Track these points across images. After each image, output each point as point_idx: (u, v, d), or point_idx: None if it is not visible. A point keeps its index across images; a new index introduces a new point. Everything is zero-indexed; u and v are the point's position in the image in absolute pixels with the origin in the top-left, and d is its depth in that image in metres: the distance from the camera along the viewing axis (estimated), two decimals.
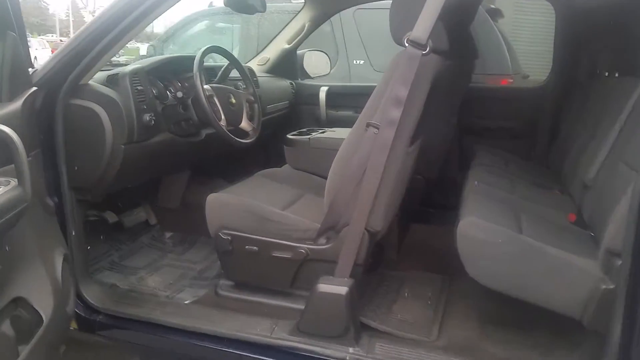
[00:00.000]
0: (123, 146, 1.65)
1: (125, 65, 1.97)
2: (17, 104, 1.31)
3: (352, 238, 1.50)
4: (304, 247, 1.62)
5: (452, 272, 1.87)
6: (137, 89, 1.70)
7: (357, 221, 1.50)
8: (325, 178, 1.63)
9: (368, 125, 1.44)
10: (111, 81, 1.69)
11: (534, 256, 1.42)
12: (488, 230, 1.46)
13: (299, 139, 2.24)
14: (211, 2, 5.02)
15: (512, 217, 1.63)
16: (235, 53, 4.43)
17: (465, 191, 1.85)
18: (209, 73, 2.19)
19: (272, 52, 2.97)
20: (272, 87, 2.74)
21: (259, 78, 2.60)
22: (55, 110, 1.58)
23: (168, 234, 2.33)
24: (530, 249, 1.42)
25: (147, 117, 1.71)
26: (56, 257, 1.43)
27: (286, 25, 2.95)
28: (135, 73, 1.72)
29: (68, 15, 31.62)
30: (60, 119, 1.59)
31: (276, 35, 2.99)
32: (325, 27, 3.90)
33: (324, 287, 1.50)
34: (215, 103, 1.88)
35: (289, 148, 2.25)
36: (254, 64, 2.95)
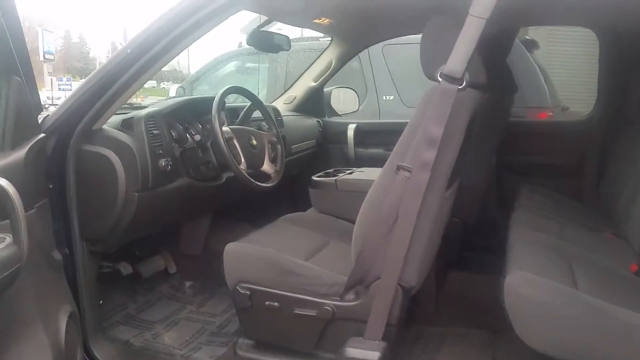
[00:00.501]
0: (137, 194, 1.55)
1: (146, 107, 1.91)
2: (20, 153, 1.22)
3: (383, 294, 1.34)
4: (330, 303, 1.46)
5: (498, 328, 1.66)
6: (152, 133, 1.62)
7: (389, 275, 1.33)
8: (354, 223, 1.49)
9: (399, 168, 1.30)
10: (125, 125, 1.61)
11: (594, 318, 1.21)
12: (541, 288, 1.27)
13: (325, 181, 2.11)
14: (240, 43, 5.05)
15: (565, 268, 1.43)
16: (263, 92, 4.41)
17: (512, 238, 1.66)
18: (231, 114, 2.10)
19: (298, 91, 2.89)
20: (298, 126, 2.64)
21: (284, 117, 2.51)
22: (67, 157, 1.51)
23: (188, 283, 2.21)
24: (590, 309, 1.22)
25: (163, 162, 1.61)
26: (60, 317, 1.32)
27: (313, 63, 2.87)
28: (151, 117, 1.65)
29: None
30: (72, 166, 1.52)
31: (302, 73, 2.91)
32: (354, 63, 3.83)
33: (352, 351, 1.32)
34: (235, 145, 1.77)
35: (315, 190, 2.12)
36: (280, 103, 2.87)
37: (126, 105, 2.20)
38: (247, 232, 1.76)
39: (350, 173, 2.21)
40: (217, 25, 1.55)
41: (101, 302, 1.72)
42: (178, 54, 1.59)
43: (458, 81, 1.22)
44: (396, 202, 1.31)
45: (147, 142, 1.58)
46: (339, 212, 2.01)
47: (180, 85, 5.11)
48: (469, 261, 2.35)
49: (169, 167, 1.63)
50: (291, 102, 2.86)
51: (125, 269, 1.87)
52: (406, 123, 1.37)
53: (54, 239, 1.46)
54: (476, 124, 1.52)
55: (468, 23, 1.22)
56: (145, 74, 1.53)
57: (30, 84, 1.30)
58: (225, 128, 1.78)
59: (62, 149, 1.50)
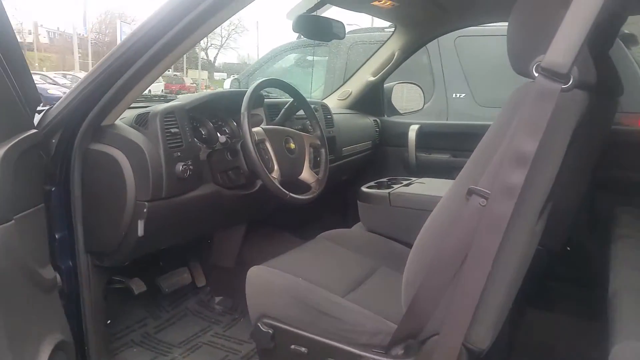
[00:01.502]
0: (147, 203, 1.31)
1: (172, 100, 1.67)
2: None
3: (442, 356, 1.01)
4: (371, 358, 1.14)
5: None
6: (170, 132, 1.36)
7: (451, 333, 1.00)
8: (409, 246, 1.18)
9: (470, 192, 0.96)
10: (139, 122, 1.37)
11: None
12: None
13: (375, 193, 1.78)
14: (300, 34, 4.79)
15: None
16: (321, 88, 4.13)
17: (615, 283, 1.27)
18: (272, 111, 1.83)
19: (354, 85, 2.58)
20: (351, 125, 2.33)
21: (335, 115, 2.20)
22: (71, 156, 1.29)
23: (218, 299, 1.97)
24: None
25: (180, 167, 1.36)
26: (43, 350, 1.10)
27: (372, 54, 2.55)
28: (169, 112, 1.39)
29: None
30: (77, 167, 1.30)
31: (360, 67, 2.59)
32: (420, 56, 3.47)
33: None
34: (267, 149, 1.49)
35: (364, 204, 1.80)
36: (334, 99, 2.58)
37: (160, 98, 1.99)
38: (287, 243, 1.49)
39: (407, 184, 1.87)
40: (250, 3, 1.27)
41: (109, 322, 1.51)
42: (203, 37, 1.33)
43: (563, 78, 0.86)
44: (466, 238, 0.96)
45: (162, 143, 1.33)
46: (392, 231, 1.68)
47: (235, 77, 4.92)
48: (552, 295, 1.95)
49: (188, 173, 1.37)
50: (346, 98, 2.56)
51: (138, 286, 1.64)
52: (479, 125, 1.03)
53: (50, 252, 1.26)
54: (578, 135, 1.15)
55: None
56: (163, 60, 1.28)
57: (19, 72, 1.08)
58: (256, 128, 1.49)
59: (66, 148, 1.29)
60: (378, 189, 1.82)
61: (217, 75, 30.70)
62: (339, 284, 1.29)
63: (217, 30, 35.99)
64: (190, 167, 1.39)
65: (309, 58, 4.91)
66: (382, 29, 4.08)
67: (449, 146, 2.42)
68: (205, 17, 1.22)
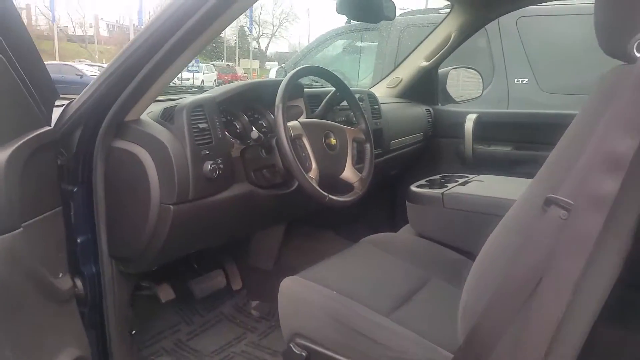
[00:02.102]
0: (172, 206, 1.19)
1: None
2: (1, 156, 0.91)
3: None
4: None
5: None
6: (197, 128, 1.24)
7: None
8: (464, 253, 1.00)
9: (549, 202, 0.77)
10: (165, 116, 1.25)
11: None
12: None
13: (427, 194, 1.59)
14: (349, 19, 4.59)
15: None
16: (370, 75, 3.93)
17: None
18: (313, 102, 1.68)
19: (405, 72, 2.37)
20: (401, 115, 2.13)
21: (384, 105, 2.02)
22: (94, 154, 1.20)
23: (254, 303, 1.86)
24: None
25: (209, 166, 1.23)
26: None
27: (425, 38, 2.33)
28: (198, 105, 1.26)
29: (236, 42, 34.61)
30: (100, 166, 1.21)
31: (412, 51, 2.39)
32: (479, 38, 3.21)
33: None
34: (305, 146, 1.34)
35: (413, 205, 1.62)
36: (382, 87, 2.39)
37: (195, 89, 1.88)
38: (330, 244, 1.34)
39: (463, 183, 1.67)
40: None
41: (134, 331, 1.42)
42: (232, 22, 1.19)
43: None
44: (541, 258, 0.77)
45: (188, 140, 1.21)
46: (445, 237, 1.50)
47: (281, 65, 4.80)
48: (627, 307, 1.70)
49: (218, 173, 1.24)
50: (396, 85, 2.36)
51: (166, 294, 1.54)
52: (544, 114, 0.84)
53: (72, 257, 1.17)
54: None
55: None
56: (189, 48, 1.15)
57: (30, 66, 0.99)
58: (293, 122, 1.35)
59: (88, 145, 1.20)
60: (430, 188, 1.63)
61: (269, 65, 30.93)
62: (383, 300, 1.13)
63: (269, 19, 36.15)
64: (220, 166, 1.26)
65: (358, 44, 4.72)
66: (437, 10, 3.82)
67: (511, 137, 2.19)
68: (230, 1, 1.09)
